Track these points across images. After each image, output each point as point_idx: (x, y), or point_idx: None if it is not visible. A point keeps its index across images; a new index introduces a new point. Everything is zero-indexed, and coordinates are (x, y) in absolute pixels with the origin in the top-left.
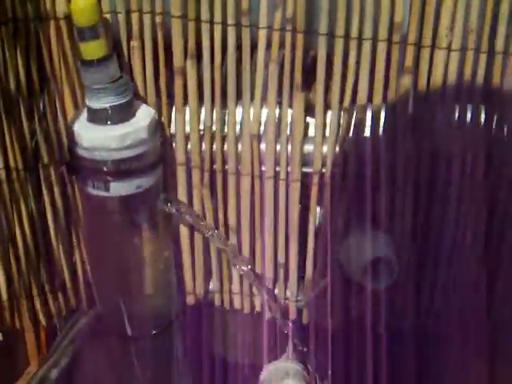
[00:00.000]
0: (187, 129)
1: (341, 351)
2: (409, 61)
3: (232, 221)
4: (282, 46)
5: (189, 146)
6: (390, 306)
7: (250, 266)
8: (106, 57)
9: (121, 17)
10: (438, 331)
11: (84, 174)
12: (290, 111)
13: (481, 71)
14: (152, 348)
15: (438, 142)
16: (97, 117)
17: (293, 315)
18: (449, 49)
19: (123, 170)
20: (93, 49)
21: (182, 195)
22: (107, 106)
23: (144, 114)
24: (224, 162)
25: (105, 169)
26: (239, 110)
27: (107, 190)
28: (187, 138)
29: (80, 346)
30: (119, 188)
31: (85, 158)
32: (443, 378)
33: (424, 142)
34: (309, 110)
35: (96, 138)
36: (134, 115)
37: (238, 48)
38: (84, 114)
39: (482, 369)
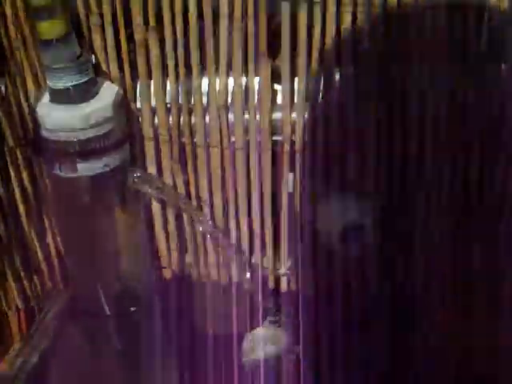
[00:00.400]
0: (153, 102)
1: (319, 317)
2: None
3: (204, 193)
4: (244, 12)
5: (156, 120)
6: (366, 270)
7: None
8: (64, 35)
9: None
10: (414, 293)
11: (50, 156)
12: (256, 79)
13: None
14: (131, 325)
15: (410, 100)
16: (59, 97)
17: (271, 284)
18: None
19: (90, 149)
20: (50, 28)
21: (151, 170)
22: (69, 85)
23: (107, 91)
24: (192, 135)
25: (71, 150)
26: (205, 81)
27: (74, 170)
28: (154, 111)
29: (59, 328)
30: (87, 168)
31: (49, 139)
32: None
33: (396, 102)
34: (275, 77)
35: (59, 119)
36: (97, 93)
37: (200, 16)
38: (46, 95)
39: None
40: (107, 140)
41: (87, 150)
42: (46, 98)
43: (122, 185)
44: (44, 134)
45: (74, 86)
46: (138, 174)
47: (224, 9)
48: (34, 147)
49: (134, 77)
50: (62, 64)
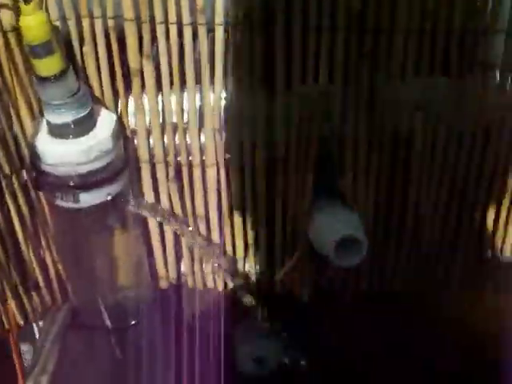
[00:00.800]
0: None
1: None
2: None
3: (200, 210)
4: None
5: (151, 142)
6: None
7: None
8: (62, 71)
9: (71, 23)
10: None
11: (51, 188)
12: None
13: None
14: (132, 337)
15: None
16: (58, 131)
17: (264, 289)
18: None
19: (91, 181)
20: (48, 65)
21: (148, 191)
22: (69, 120)
23: (105, 121)
24: (188, 154)
25: (72, 183)
26: (198, 101)
27: (76, 201)
28: (148, 134)
29: (61, 346)
30: (88, 198)
31: (50, 173)
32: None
33: (386, 121)
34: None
35: (60, 154)
36: (95, 124)
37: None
38: (43, 127)
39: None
40: (108, 170)
41: (89, 182)
42: (44, 130)
43: (122, 209)
44: (44, 168)
45: (73, 120)
46: (137, 200)
47: (219, 37)
48: (34, 180)
49: (128, 99)
50: (60, 100)
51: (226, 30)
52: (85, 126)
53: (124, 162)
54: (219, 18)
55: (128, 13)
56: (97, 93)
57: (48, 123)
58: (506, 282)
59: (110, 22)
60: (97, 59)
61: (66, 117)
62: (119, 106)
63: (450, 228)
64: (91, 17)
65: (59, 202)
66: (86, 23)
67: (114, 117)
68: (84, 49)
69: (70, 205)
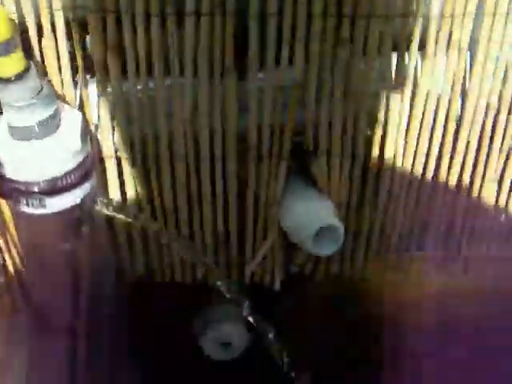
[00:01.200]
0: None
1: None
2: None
3: (168, 203)
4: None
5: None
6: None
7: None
8: (24, 70)
9: (29, 16)
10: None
11: (15, 195)
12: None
13: None
14: (101, 335)
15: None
16: (21, 134)
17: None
18: None
19: (59, 186)
20: (8, 65)
21: (113, 187)
22: (33, 123)
23: (70, 119)
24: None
25: (37, 189)
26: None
27: (43, 207)
28: (113, 127)
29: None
30: (56, 203)
31: (14, 180)
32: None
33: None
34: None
35: (24, 158)
36: (59, 123)
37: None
38: (3, 129)
39: None
40: (77, 173)
41: (56, 187)
42: (4, 133)
43: (89, 210)
44: (6, 173)
45: (37, 122)
46: (105, 200)
47: (189, 27)
48: None
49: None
50: (23, 101)
51: (196, 18)
52: (50, 126)
53: (93, 161)
54: (190, 5)
55: (93, 3)
56: (56, 88)
57: (9, 125)
58: None
59: (72, 14)
60: (57, 52)
61: (29, 119)
62: (78, 99)
63: (421, 209)
64: (50, 8)
65: (25, 208)
66: (44, 15)
67: (79, 114)
68: (43, 42)
69: (37, 210)
